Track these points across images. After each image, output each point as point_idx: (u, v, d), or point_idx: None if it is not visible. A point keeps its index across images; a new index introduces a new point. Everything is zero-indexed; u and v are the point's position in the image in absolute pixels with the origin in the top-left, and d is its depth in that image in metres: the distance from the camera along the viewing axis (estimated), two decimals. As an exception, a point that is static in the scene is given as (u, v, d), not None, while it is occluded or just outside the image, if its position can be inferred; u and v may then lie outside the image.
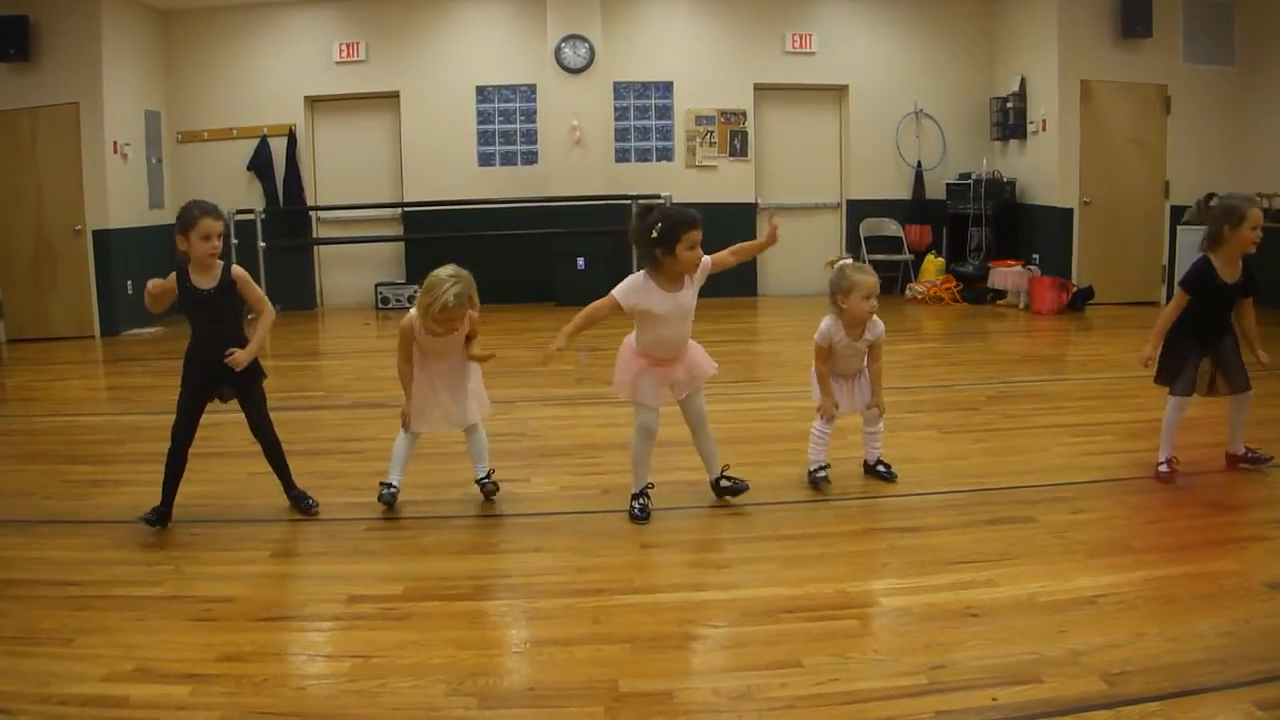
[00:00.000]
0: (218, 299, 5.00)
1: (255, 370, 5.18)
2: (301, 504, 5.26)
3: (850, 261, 5.56)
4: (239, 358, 4.99)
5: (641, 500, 5.22)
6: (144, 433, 6.34)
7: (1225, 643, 3.76)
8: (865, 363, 5.65)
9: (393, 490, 5.28)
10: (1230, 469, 5.85)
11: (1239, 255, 5.52)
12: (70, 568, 4.57)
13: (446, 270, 5.01)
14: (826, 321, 5.45)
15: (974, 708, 3.33)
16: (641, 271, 5.03)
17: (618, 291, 4.99)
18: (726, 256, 5.16)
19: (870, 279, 5.41)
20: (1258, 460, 5.80)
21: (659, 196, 12.60)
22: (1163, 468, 5.70)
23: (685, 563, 4.83)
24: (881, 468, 5.78)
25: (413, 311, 5.11)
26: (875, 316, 5.49)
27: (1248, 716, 3.26)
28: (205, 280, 4.97)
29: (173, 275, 4.95)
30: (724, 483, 5.40)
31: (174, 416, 5.02)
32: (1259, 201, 5.55)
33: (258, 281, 11.47)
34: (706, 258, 5.02)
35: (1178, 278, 12.20)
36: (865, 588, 4.40)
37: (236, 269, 5.09)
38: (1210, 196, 5.64)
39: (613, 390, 5.27)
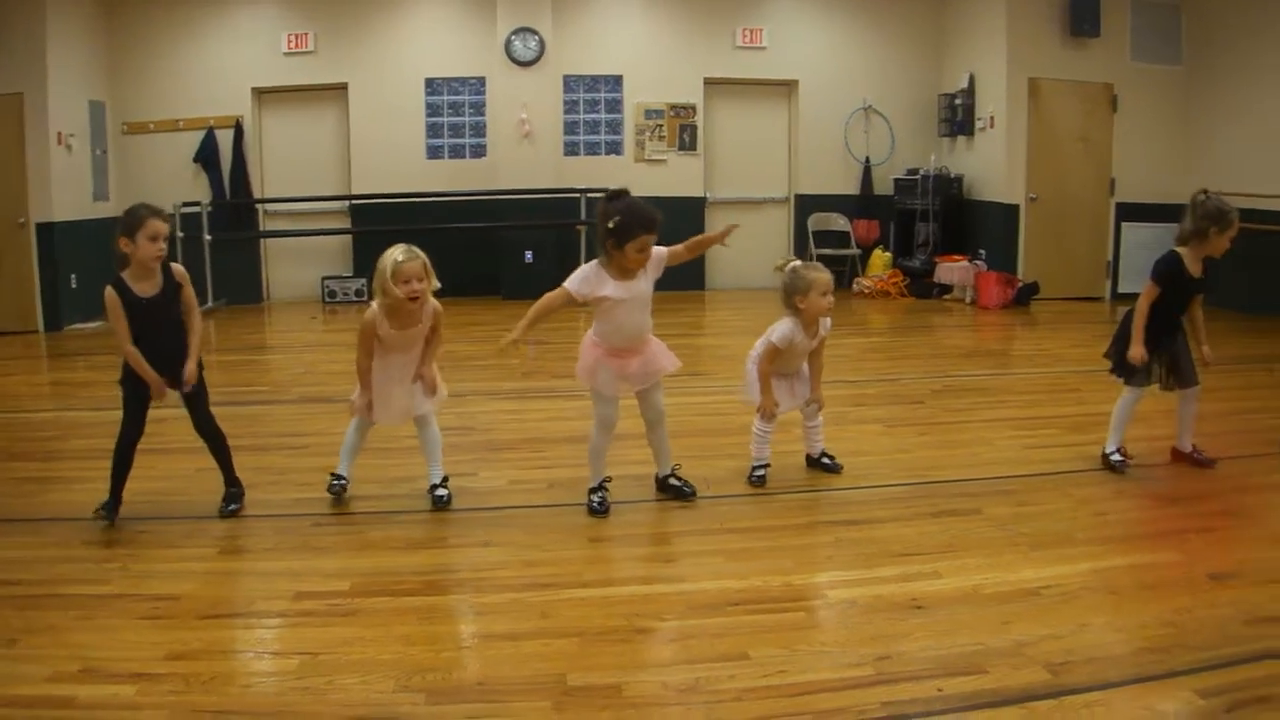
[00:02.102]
0: (164, 305, 4.90)
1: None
2: (231, 502, 5.19)
3: (799, 262, 5.60)
4: (187, 377, 4.94)
5: (600, 494, 5.24)
6: (88, 429, 6.29)
7: (1167, 632, 3.84)
8: (805, 360, 5.70)
9: (342, 483, 5.28)
10: (1175, 463, 5.94)
11: (1205, 255, 5.63)
12: (15, 566, 4.51)
13: (390, 248, 5.01)
14: (786, 324, 5.47)
15: (920, 698, 3.38)
16: (594, 261, 5.04)
17: (569, 282, 5.00)
18: (681, 251, 5.16)
19: (825, 275, 5.46)
20: (1203, 463, 5.88)
21: (608, 190, 12.60)
22: (1116, 456, 5.79)
23: (633, 556, 4.86)
24: (826, 460, 5.84)
25: (373, 305, 5.08)
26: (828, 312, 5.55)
27: (1188, 705, 3.33)
28: (147, 287, 4.85)
29: (110, 293, 4.79)
30: (673, 481, 5.43)
31: (120, 416, 4.96)
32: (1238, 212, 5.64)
33: (203, 275, 11.46)
34: (663, 250, 5.03)
35: (1122, 274, 12.48)
36: (812, 580, 4.45)
37: (178, 268, 5.00)
38: (1205, 192, 5.70)
39: (567, 381, 5.26)
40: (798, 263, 5.59)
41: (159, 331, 4.90)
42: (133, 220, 4.76)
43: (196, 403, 5.11)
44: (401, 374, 5.22)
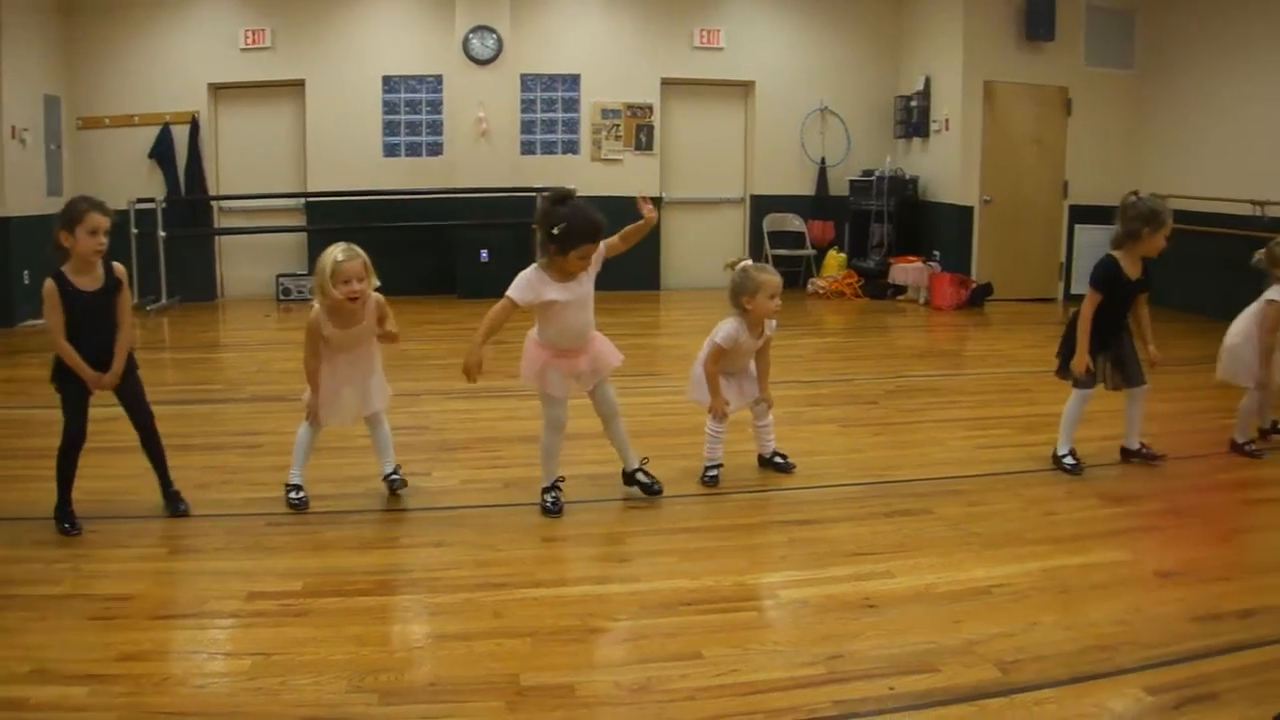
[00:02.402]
0: (103, 301, 4.83)
1: (128, 362, 4.98)
2: (173, 505, 5.13)
3: (750, 262, 5.63)
4: (108, 381, 4.87)
5: (553, 494, 5.25)
6: (40, 427, 6.20)
7: (1117, 630, 3.90)
8: (752, 360, 5.73)
9: (302, 495, 5.25)
10: (1124, 462, 6.01)
11: (1142, 256, 5.69)
12: (-36, 566, 4.47)
13: (329, 247, 4.99)
14: (731, 324, 5.51)
15: (871, 697, 3.42)
16: (532, 266, 5.04)
17: (512, 291, 4.99)
18: (617, 242, 5.18)
19: (775, 278, 5.49)
20: (1151, 458, 5.96)
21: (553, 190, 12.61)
22: (1068, 459, 5.86)
23: (586, 556, 4.87)
24: (779, 459, 5.87)
25: (315, 306, 5.06)
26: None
27: (1137, 702, 3.38)
28: (88, 282, 4.77)
29: (49, 285, 4.73)
30: (641, 476, 5.44)
31: (62, 416, 4.89)
32: (1171, 212, 5.70)
33: (157, 272, 11.35)
34: (602, 245, 5.03)
35: (1075, 276, 12.59)
36: (764, 580, 4.48)
37: (119, 267, 4.92)
38: (1134, 194, 5.77)
39: (520, 380, 5.26)
40: (749, 263, 5.62)
41: (98, 328, 4.84)
42: (72, 214, 4.68)
43: (131, 397, 5.01)
44: (349, 373, 5.21)
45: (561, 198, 4.94)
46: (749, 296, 5.44)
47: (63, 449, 4.86)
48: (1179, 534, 5.04)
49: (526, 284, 4.98)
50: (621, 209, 5.03)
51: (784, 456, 5.88)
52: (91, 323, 4.82)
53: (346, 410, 5.26)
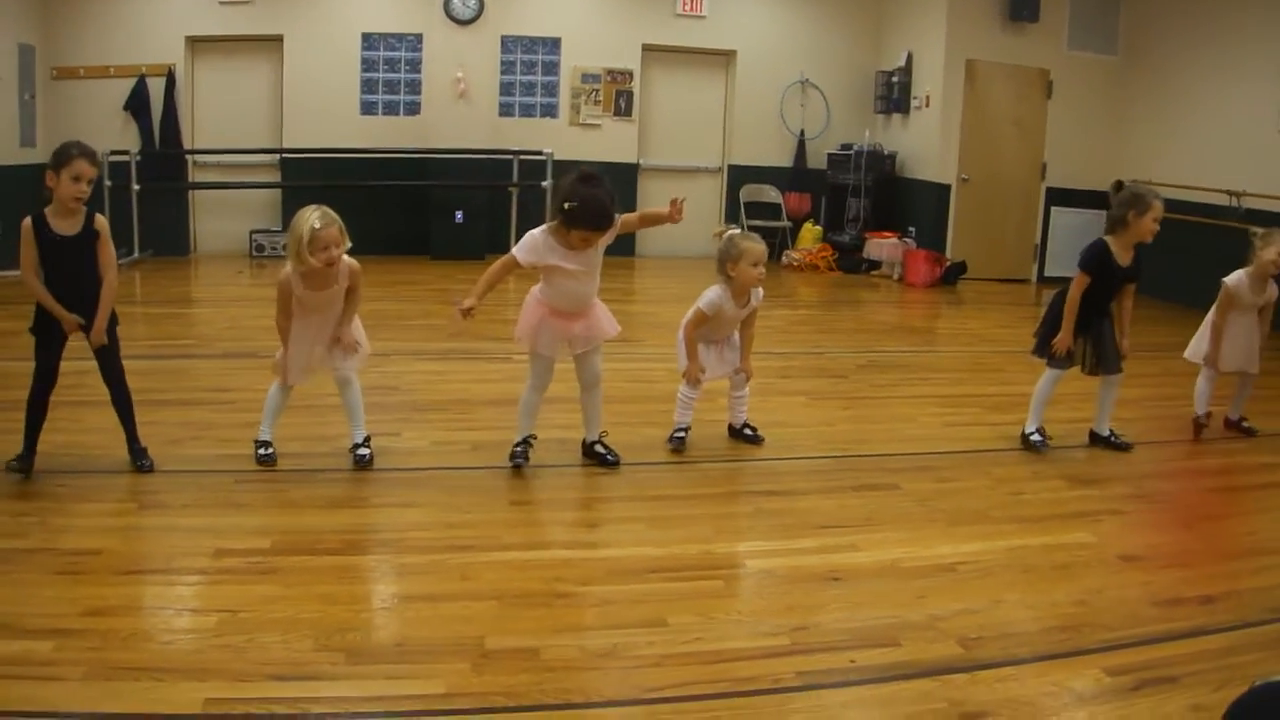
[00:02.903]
0: (79, 247, 4.82)
1: (111, 319, 4.98)
2: (138, 460, 5.10)
3: (738, 231, 5.67)
4: (95, 337, 4.87)
5: (521, 447, 5.28)
6: (10, 379, 6.17)
7: (1078, 611, 3.95)
8: (737, 329, 5.75)
9: (271, 451, 5.25)
10: (1092, 445, 6.05)
11: (1134, 243, 5.71)
12: (-72, 518, 4.45)
13: (304, 209, 4.97)
14: (715, 290, 5.53)
15: (834, 668, 3.45)
16: (542, 229, 5.05)
17: (518, 250, 5.02)
18: (634, 220, 5.21)
19: (759, 246, 5.53)
20: (1120, 447, 6.00)
21: (541, 153, 12.60)
22: (1035, 437, 5.91)
23: (554, 521, 4.90)
24: (748, 430, 5.89)
25: (288, 267, 5.04)
26: (759, 283, 5.59)
27: (1096, 682, 3.42)
28: (67, 226, 4.77)
29: (26, 224, 4.74)
30: (598, 448, 5.45)
31: (35, 361, 4.88)
32: (1160, 196, 5.73)
33: (130, 225, 11.27)
34: (617, 217, 5.04)
35: (1050, 258, 12.66)
36: (731, 549, 4.52)
37: (100, 219, 4.91)
38: (1120, 184, 5.82)
39: (515, 337, 5.26)
40: (735, 231, 5.67)
41: (71, 274, 4.83)
42: (61, 156, 4.69)
43: (106, 351, 5.00)
44: (320, 334, 5.20)
45: (587, 177, 4.94)
46: (733, 263, 5.47)
47: (33, 393, 4.87)
48: (1143, 518, 5.10)
49: (533, 245, 5.00)
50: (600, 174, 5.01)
51: (754, 429, 5.90)
52: (64, 268, 4.81)
53: (317, 368, 5.25)
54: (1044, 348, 5.88)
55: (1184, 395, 6.73)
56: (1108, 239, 5.74)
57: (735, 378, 5.83)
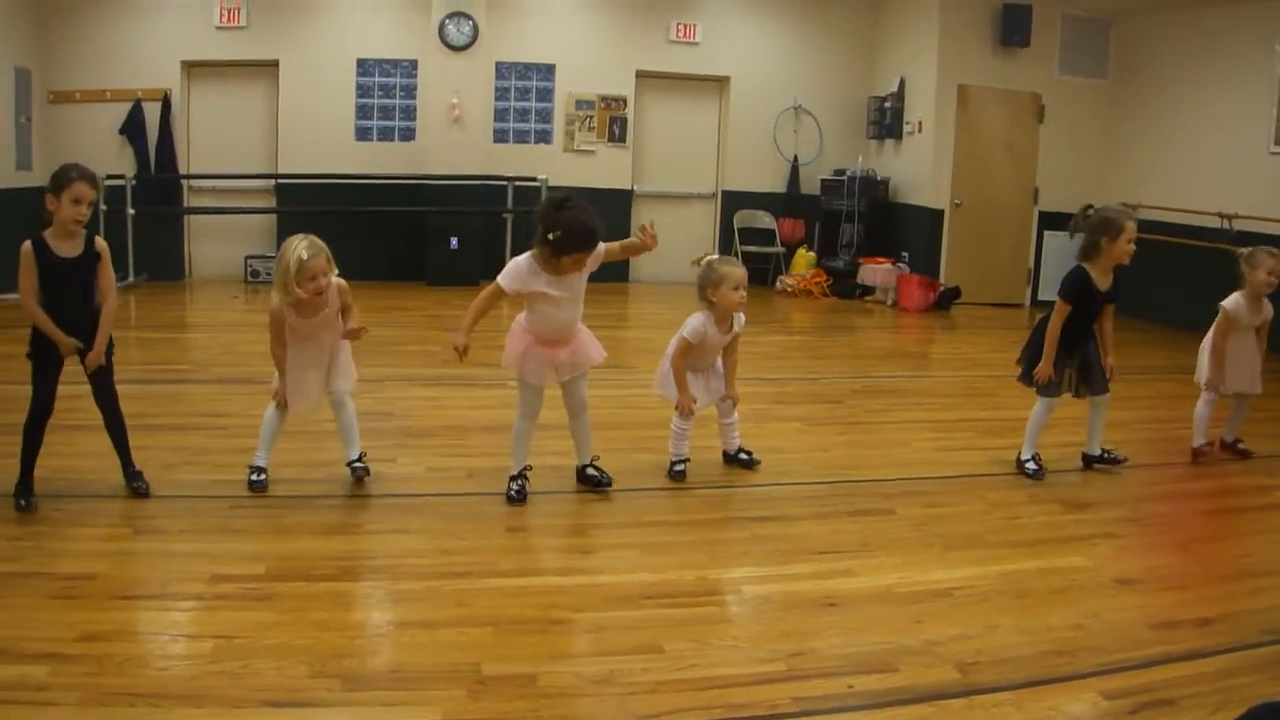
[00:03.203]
0: (79, 269, 4.83)
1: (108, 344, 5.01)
2: (133, 483, 5.10)
3: (716, 256, 5.68)
4: (92, 360, 4.87)
5: (519, 482, 5.27)
6: (6, 403, 6.17)
7: (1074, 635, 3.95)
8: (720, 357, 5.76)
9: (263, 478, 5.24)
10: (1085, 468, 6.06)
11: (1113, 266, 5.71)
12: (-76, 542, 4.44)
13: (290, 239, 4.99)
14: (698, 318, 5.54)
15: (831, 694, 3.45)
16: (526, 255, 5.05)
17: (501, 278, 5.03)
18: (616, 250, 5.20)
19: (739, 270, 5.53)
20: (1112, 461, 6.01)
21: (536, 179, 12.63)
22: (1031, 465, 5.91)
23: (550, 547, 4.89)
24: (744, 455, 5.90)
25: (275, 296, 5.05)
26: (741, 308, 5.60)
27: (1093, 706, 3.42)
28: (67, 249, 4.79)
29: (25, 247, 4.74)
30: (590, 471, 5.46)
31: (31, 390, 4.87)
32: (1134, 214, 5.73)
33: (125, 249, 11.26)
34: (601, 247, 5.06)
35: (1043, 282, 12.68)
36: (726, 575, 4.51)
37: (100, 241, 4.93)
38: (1088, 208, 5.83)
39: (502, 364, 5.26)
40: (714, 257, 5.69)
41: (70, 297, 4.84)
42: (60, 179, 4.70)
43: (101, 377, 5.01)
44: (315, 358, 5.21)
45: (560, 202, 4.95)
46: (713, 288, 5.48)
47: (30, 419, 4.86)
48: (1138, 541, 5.11)
49: (517, 273, 5.01)
50: (594, 201, 5.03)
51: (749, 453, 5.90)
52: (64, 291, 4.82)
53: (313, 391, 5.25)
54: (1030, 375, 5.89)
55: (1177, 418, 6.75)
56: (1085, 265, 5.75)
57: (723, 405, 5.84)
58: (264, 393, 5.39)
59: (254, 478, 5.24)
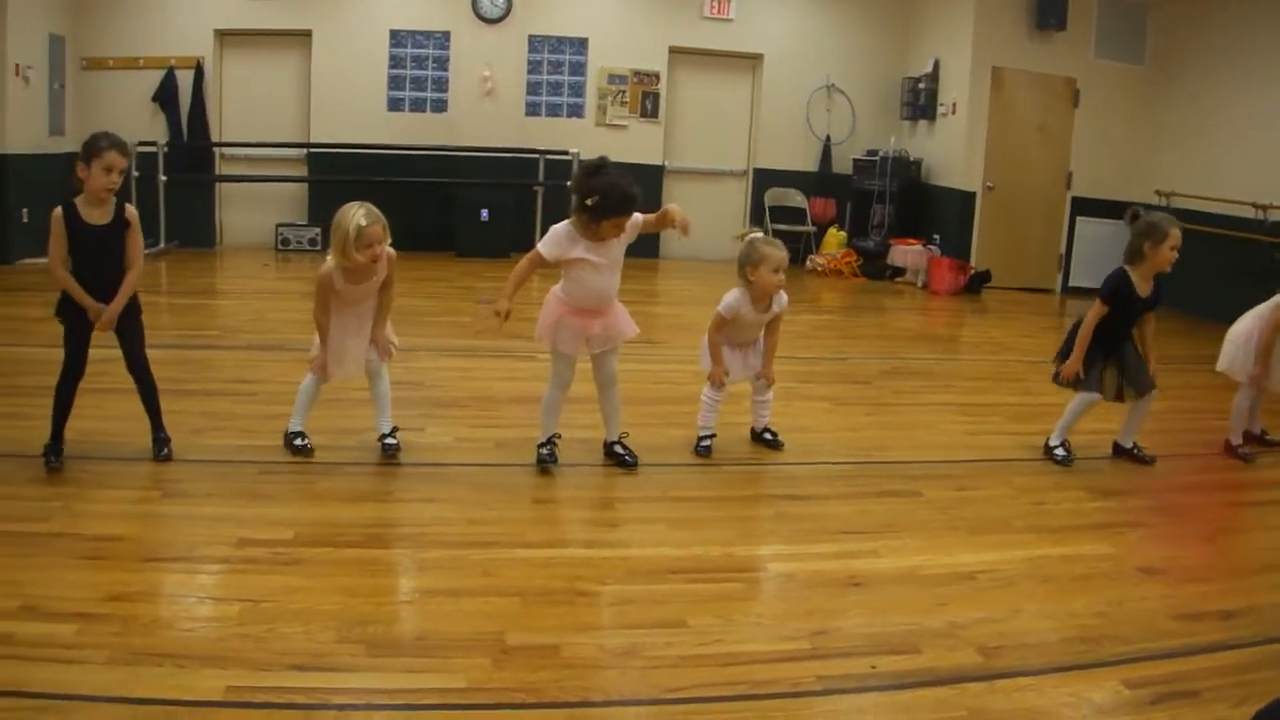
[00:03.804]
0: (109, 237, 4.85)
1: (133, 305, 5.01)
2: (158, 449, 5.11)
3: (760, 235, 5.65)
4: (105, 319, 4.86)
5: (549, 447, 5.30)
6: (37, 365, 6.21)
7: (1098, 623, 3.93)
8: (762, 334, 5.74)
9: (306, 443, 5.29)
10: (1114, 456, 6.03)
11: (1154, 273, 5.66)
12: (-44, 501, 4.47)
13: (348, 205, 5.00)
14: (734, 294, 5.52)
15: (853, 674, 3.44)
16: (565, 223, 5.06)
17: (542, 245, 5.05)
18: (653, 220, 5.18)
19: (780, 253, 5.49)
20: (1141, 460, 5.96)
21: (567, 153, 12.61)
22: (1060, 451, 5.88)
23: (576, 520, 4.91)
24: (769, 435, 5.89)
25: (329, 261, 5.05)
26: (781, 292, 5.58)
27: (1115, 694, 3.41)
28: (97, 216, 4.80)
29: (56, 214, 4.76)
30: (618, 449, 5.45)
31: (64, 349, 4.90)
32: (1177, 221, 5.64)
33: (157, 216, 11.32)
34: (638, 217, 5.07)
35: (1074, 267, 12.62)
36: (752, 552, 4.51)
37: (131, 209, 4.94)
38: (1136, 214, 5.75)
39: (535, 335, 5.27)
40: (758, 235, 5.65)
41: (100, 264, 4.86)
42: (91, 148, 4.71)
43: (130, 340, 5.03)
44: (357, 326, 5.22)
45: (595, 168, 4.97)
46: (752, 268, 5.45)
47: (61, 379, 4.89)
48: (1164, 531, 5.08)
49: (556, 239, 5.03)
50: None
51: (774, 433, 5.89)
52: (94, 258, 4.84)
53: (352, 362, 5.27)
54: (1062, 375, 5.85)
55: (1206, 409, 6.72)
56: (1128, 269, 5.70)
57: (757, 383, 5.82)
58: (293, 360, 5.42)
59: (298, 443, 5.28)
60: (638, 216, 5.06)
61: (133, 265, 4.96)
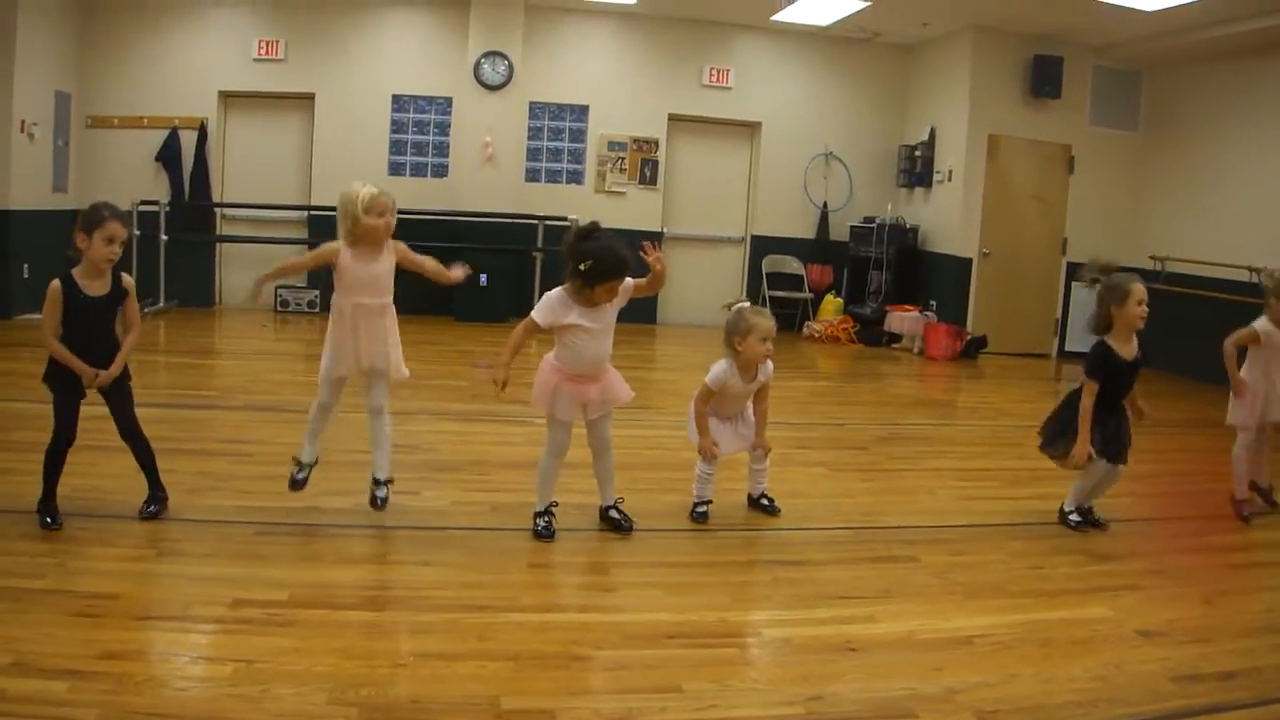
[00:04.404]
0: (106, 309, 4.86)
1: (122, 372, 5.00)
2: (154, 506, 5.09)
3: (748, 305, 5.65)
4: (104, 379, 4.85)
5: (546, 518, 5.27)
6: (31, 420, 6.21)
7: (1096, 686, 3.91)
8: (750, 403, 5.73)
9: (304, 474, 5.30)
10: (1063, 521, 5.97)
11: (1131, 332, 5.64)
12: (-51, 556, 4.45)
13: (352, 183, 5.12)
14: (721, 365, 5.53)
15: (849, 739, 3.42)
16: (559, 289, 5.08)
17: (535, 313, 5.07)
18: (644, 284, 5.21)
19: (768, 322, 5.49)
20: (1094, 524, 5.90)
21: (566, 219, 12.67)
22: (1074, 517, 5.86)
23: (572, 584, 4.88)
24: (765, 501, 5.86)
25: (339, 240, 5.14)
26: (767, 361, 5.59)
27: (1113, 758, 3.39)
28: (96, 287, 4.80)
29: (54, 285, 4.74)
30: (613, 514, 5.44)
31: (54, 414, 4.87)
32: (1137, 277, 5.64)
33: (157, 275, 11.36)
34: (629, 281, 5.09)
35: (1070, 333, 12.65)
36: (747, 617, 4.49)
37: (127, 279, 4.95)
38: (1095, 280, 5.73)
39: (530, 403, 5.26)
40: (746, 305, 5.64)
41: (96, 333, 4.87)
42: (93, 219, 4.71)
43: (120, 404, 5.01)
44: (367, 325, 5.19)
45: (588, 232, 5.00)
46: (740, 337, 5.46)
47: (51, 448, 4.87)
48: (1160, 594, 5.05)
49: (550, 306, 5.05)
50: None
51: (770, 499, 5.87)
52: (91, 329, 4.85)
53: (355, 358, 5.21)
54: (1053, 443, 5.81)
55: (1203, 471, 6.72)
56: (1105, 339, 5.68)
57: (754, 452, 5.81)
58: (290, 421, 5.42)
59: (296, 474, 5.31)
60: (629, 281, 5.09)
61: (131, 328, 4.98)
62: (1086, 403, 5.63)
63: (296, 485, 5.32)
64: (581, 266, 4.89)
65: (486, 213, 12.95)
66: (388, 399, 5.38)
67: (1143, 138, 13.21)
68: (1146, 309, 5.60)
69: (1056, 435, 5.79)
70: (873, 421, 8.72)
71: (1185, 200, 12.38)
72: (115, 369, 4.90)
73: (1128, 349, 5.65)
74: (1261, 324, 6.14)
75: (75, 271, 4.78)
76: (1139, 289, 5.56)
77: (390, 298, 5.31)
